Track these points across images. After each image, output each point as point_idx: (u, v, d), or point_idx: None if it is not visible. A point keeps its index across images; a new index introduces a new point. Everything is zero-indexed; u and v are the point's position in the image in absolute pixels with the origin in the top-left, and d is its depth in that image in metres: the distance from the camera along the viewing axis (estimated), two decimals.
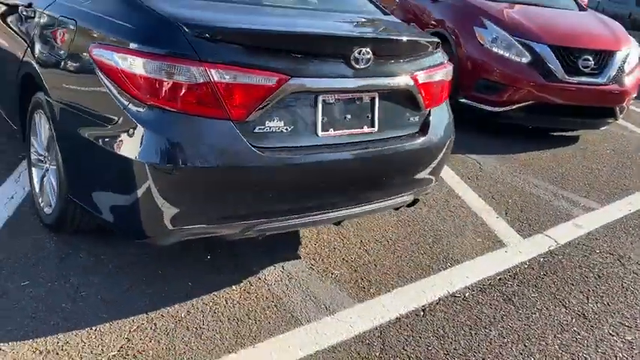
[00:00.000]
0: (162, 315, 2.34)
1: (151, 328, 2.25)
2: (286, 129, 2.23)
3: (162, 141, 2.02)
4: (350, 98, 2.40)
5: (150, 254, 2.73)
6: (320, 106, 2.30)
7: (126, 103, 2.05)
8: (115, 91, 2.07)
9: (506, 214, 3.81)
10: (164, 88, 1.99)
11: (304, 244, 3.07)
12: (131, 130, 2.04)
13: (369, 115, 2.49)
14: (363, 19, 2.93)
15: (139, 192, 2.05)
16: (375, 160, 2.51)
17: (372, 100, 2.48)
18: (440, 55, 2.79)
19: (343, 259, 2.99)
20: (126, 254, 2.71)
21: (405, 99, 2.61)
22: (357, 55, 2.30)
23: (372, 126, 2.50)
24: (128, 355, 2.10)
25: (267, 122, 2.17)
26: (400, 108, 2.62)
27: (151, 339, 2.20)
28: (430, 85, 2.70)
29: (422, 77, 2.63)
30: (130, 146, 2.04)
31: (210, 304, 2.46)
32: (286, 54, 2.17)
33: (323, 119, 2.32)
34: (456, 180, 4.32)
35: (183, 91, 2.00)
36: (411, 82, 2.58)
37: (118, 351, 2.11)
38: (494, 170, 4.62)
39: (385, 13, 3.16)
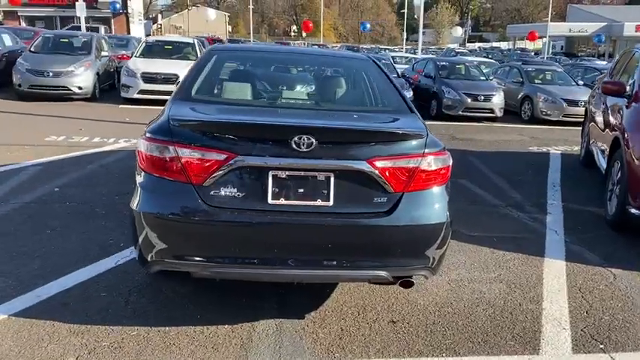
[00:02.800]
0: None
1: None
2: (238, 194, 2.89)
3: (148, 196, 2.94)
4: (302, 175, 2.91)
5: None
6: (270, 179, 2.89)
7: (138, 172, 3.04)
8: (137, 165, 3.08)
9: (580, 331, 3.42)
10: (148, 161, 2.93)
11: (322, 310, 3.49)
12: (137, 188, 3.02)
13: (325, 191, 2.93)
14: (349, 114, 3.42)
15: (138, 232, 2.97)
16: (329, 230, 2.90)
17: (328, 178, 2.93)
18: (416, 144, 3.04)
19: (342, 328, 3.30)
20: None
21: (367, 181, 2.95)
22: (297, 140, 2.85)
23: (327, 200, 2.93)
24: None
25: (221, 188, 2.88)
26: (362, 188, 2.96)
27: None
28: (397, 170, 2.98)
29: (383, 163, 2.95)
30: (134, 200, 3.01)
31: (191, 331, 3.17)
32: (236, 138, 2.89)
33: (274, 190, 2.89)
34: (556, 285, 4.01)
35: (162, 162, 2.91)
36: (368, 167, 2.93)
37: None
38: (628, 287, 4.06)
39: (407, 111, 3.52)
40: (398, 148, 3.00)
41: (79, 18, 26.97)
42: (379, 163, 2.94)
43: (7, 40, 14.67)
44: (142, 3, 50.03)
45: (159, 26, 68.34)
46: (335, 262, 2.96)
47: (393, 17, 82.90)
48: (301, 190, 2.91)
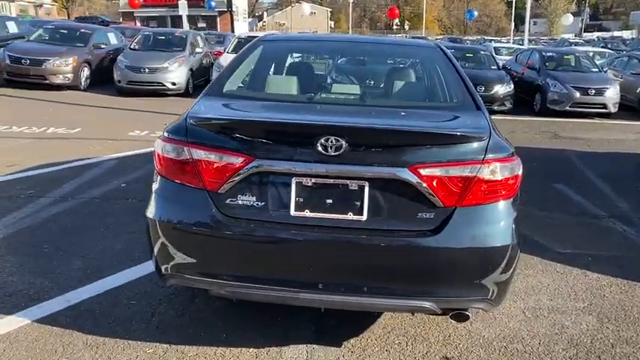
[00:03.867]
0: None
1: None
2: (257, 204, 2.51)
3: (161, 203, 2.63)
4: (330, 184, 2.47)
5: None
6: (293, 187, 2.48)
7: (155, 175, 2.74)
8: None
9: None
10: (164, 163, 2.62)
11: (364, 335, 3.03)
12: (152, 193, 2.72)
13: (358, 203, 2.47)
14: (398, 111, 2.90)
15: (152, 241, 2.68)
16: (361, 249, 2.44)
17: (361, 188, 2.46)
18: (474, 149, 2.48)
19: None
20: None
21: (409, 192, 2.45)
22: (324, 142, 2.40)
23: (360, 214, 2.46)
24: None
25: (239, 195, 2.51)
26: (403, 201, 2.47)
27: None
28: (448, 180, 2.45)
29: (429, 171, 2.43)
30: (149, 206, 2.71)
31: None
32: (254, 139, 2.49)
33: (298, 200, 2.47)
34: None
35: (176, 165, 2.59)
36: (411, 175, 2.42)
37: None
38: None
39: (472, 108, 2.94)
40: (450, 152, 2.46)
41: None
42: (425, 171, 2.42)
43: (113, 39, 15.40)
44: (246, 1, 51.51)
45: (263, 24, 70.16)
46: (369, 288, 2.49)
47: (502, 7, 78.91)
48: (329, 201, 2.47)
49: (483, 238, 2.48)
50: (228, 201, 2.51)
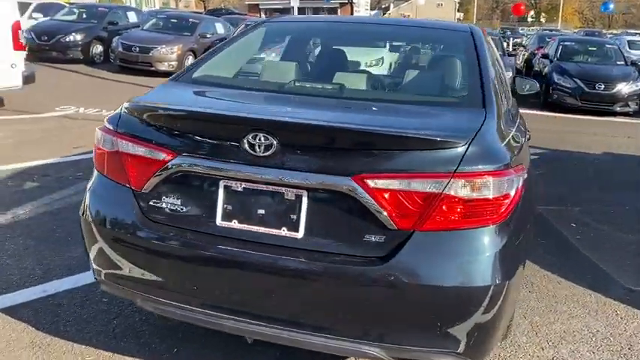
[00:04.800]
0: None
1: None
2: (182, 208, 2.14)
3: (90, 199, 2.35)
4: (263, 190, 2.03)
5: None
6: (221, 192, 2.07)
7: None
8: None
9: None
10: (97, 155, 2.34)
11: None
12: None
13: (294, 217, 2.01)
14: (372, 105, 2.39)
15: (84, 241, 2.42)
16: (295, 275, 1.99)
17: (298, 198, 2.00)
18: (445, 157, 1.90)
19: None
20: None
21: (354, 207, 1.94)
22: (251, 140, 1.97)
23: (295, 230, 2.00)
24: None
25: (163, 197, 2.15)
26: (348, 218, 1.96)
27: None
28: (404, 196, 1.90)
29: (380, 183, 1.90)
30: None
31: None
32: (178, 133, 2.12)
33: (225, 207, 2.07)
34: None
35: (106, 157, 2.29)
36: (355, 187, 1.91)
37: None
38: None
39: (475, 105, 2.33)
40: (408, 161, 1.91)
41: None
42: (373, 183, 1.90)
43: (220, 29, 15.84)
44: None
45: (388, 14, 69.26)
46: (304, 322, 2.02)
47: None
48: (261, 212, 2.04)
49: (450, 274, 1.91)
50: (152, 202, 2.17)
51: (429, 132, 1.96)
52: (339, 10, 41.58)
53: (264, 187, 2.02)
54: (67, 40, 13.90)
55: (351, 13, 40.67)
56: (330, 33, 3.35)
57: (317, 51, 3.22)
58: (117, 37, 13.99)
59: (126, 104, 2.28)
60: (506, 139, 2.19)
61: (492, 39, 3.81)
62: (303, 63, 2.95)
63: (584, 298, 3.39)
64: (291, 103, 2.44)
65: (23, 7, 14.83)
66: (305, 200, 1.98)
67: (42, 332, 2.77)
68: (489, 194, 1.92)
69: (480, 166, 1.92)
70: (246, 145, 1.97)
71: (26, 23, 14.75)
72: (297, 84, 2.66)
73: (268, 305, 2.04)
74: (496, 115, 2.28)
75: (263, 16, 38.87)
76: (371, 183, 1.89)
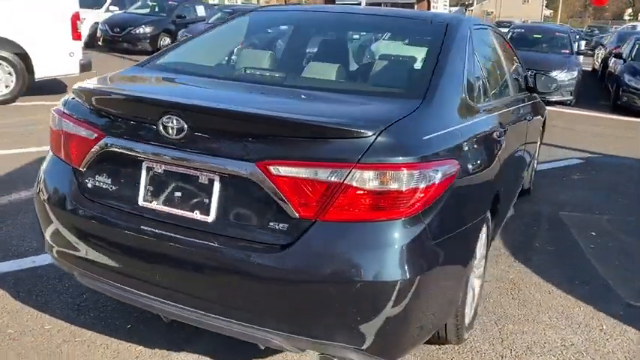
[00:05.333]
0: None
1: None
2: (111, 187, 2.21)
3: (41, 175, 2.47)
4: (181, 173, 2.06)
5: None
6: (144, 172, 2.12)
7: None
8: None
9: None
10: (50, 134, 2.46)
11: None
12: None
13: (207, 200, 2.02)
14: (305, 93, 2.33)
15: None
16: (203, 258, 2.01)
17: (211, 182, 2.01)
18: (349, 146, 1.84)
19: None
20: None
21: (260, 194, 1.93)
22: (164, 122, 1.99)
23: (207, 214, 2.02)
24: None
25: (96, 176, 2.23)
26: (254, 204, 1.95)
27: None
28: (306, 184, 1.86)
29: (283, 170, 1.87)
30: None
31: None
32: (106, 114, 2.18)
33: (148, 187, 2.12)
34: None
35: (55, 136, 2.41)
36: (258, 173, 1.89)
37: None
38: None
39: (413, 96, 2.23)
40: (311, 149, 1.88)
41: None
42: (275, 170, 1.88)
43: (201, 11, 16.49)
44: None
45: (470, 12, 67.33)
46: (212, 305, 2.04)
47: None
48: (179, 194, 2.07)
49: (351, 266, 1.86)
50: (87, 180, 2.26)
51: (335, 121, 1.91)
52: (415, 6, 40.81)
53: (181, 170, 2.05)
54: (137, 32, 14.60)
55: (428, 8, 39.89)
56: (306, 22, 3.31)
57: (283, 40, 3.19)
58: (182, 30, 14.53)
59: (74, 87, 2.37)
60: (438, 132, 2.09)
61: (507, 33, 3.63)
62: (264, 52, 2.95)
63: (572, 310, 3.18)
64: (219, 89, 2.46)
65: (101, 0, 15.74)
66: (217, 185, 1.99)
67: (15, 299, 2.94)
68: (396, 186, 1.85)
69: (387, 158, 1.85)
70: (161, 128, 2.00)
71: (103, 16, 15.64)
72: (247, 71, 2.66)
73: (179, 286, 2.08)
74: (435, 108, 2.19)
75: None
76: (274, 170, 1.87)
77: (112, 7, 16.50)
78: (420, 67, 2.63)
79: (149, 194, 2.11)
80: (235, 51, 3.00)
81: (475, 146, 2.39)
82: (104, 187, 2.21)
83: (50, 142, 2.46)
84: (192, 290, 2.05)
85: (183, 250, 2.01)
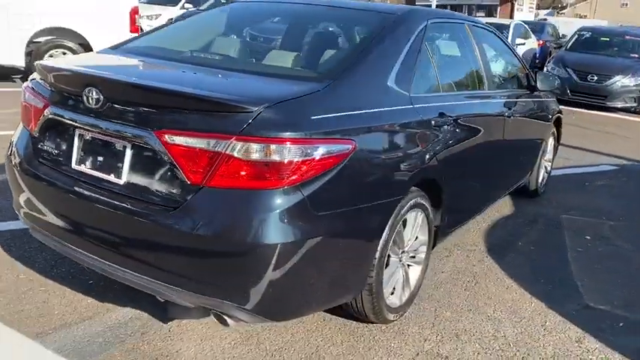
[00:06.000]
0: None
1: None
2: (54, 152, 2.51)
3: (12, 143, 2.81)
4: (103, 140, 2.32)
5: None
6: (77, 139, 2.40)
7: None
8: None
9: None
10: (21, 107, 2.80)
11: None
12: None
13: (120, 165, 2.27)
14: (224, 73, 2.55)
15: None
16: (116, 217, 2.25)
17: (124, 148, 2.25)
18: (232, 121, 2.01)
19: None
20: None
21: (160, 160, 2.14)
22: (86, 93, 2.26)
23: (119, 177, 2.27)
24: None
25: (45, 141, 2.55)
26: (156, 169, 2.17)
27: None
28: (195, 153, 2.06)
29: (177, 140, 2.08)
30: None
31: None
32: (51, 86, 2.48)
33: (80, 153, 2.40)
34: None
35: (22, 108, 2.74)
36: (155, 140, 2.12)
37: None
38: None
39: (322, 79, 2.36)
40: (200, 120, 2.08)
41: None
42: (169, 138, 2.10)
43: None
44: None
45: (562, 15, 64.25)
46: (127, 261, 2.28)
47: None
48: (101, 159, 2.34)
49: (231, 229, 2.04)
50: (39, 145, 2.58)
51: (222, 96, 2.09)
52: (498, 8, 39.67)
53: (102, 137, 2.31)
54: None
55: (511, 12, 38.66)
56: (268, 12, 3.51)
57: (241, 27, 3.38)
58: None
59: (36, 63, 2.71)
60: (333, 114, 2.21)
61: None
62: (213, 37, 3.16)
63: (521, 305, 3.16)
64: (148, 68, 2.71)
65: None
66: (128, 151, 2.23)
67: (6, 252, 3.34)
68: (273, 158, 2.01)
69: (266, 132, 2.01)
70: (85, 98, 2.27)
71: (177, 13, 16.52)
72: (193, 54, 2.89)
73: (100, 242, 2.33)
74: (341, 91, 2.32)
75: None
76: (168, 139, 2.09)
77: (187, 5, 17.35)
78: (342, 55, 2.75)
79: (80, 158, 2.39)
80: (193, 36, 3.24)
81: (392, 131, 2.49)
82: (50, 150, 2.52)
83: (20, 112, 2.81)
84: (110, 246, 2.30)
85: (102, 209, 2.26)
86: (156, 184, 2.18)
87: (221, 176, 2.04)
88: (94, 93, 2.24)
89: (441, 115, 2.87)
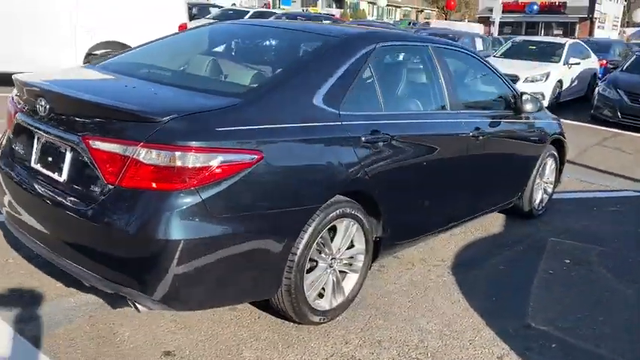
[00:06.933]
0: None
1: None
2: (23, 152, 2.91)
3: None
4: (51, 143, 2.68)
5: None
6: (35, 141, 2.79)
7: None
8: None
9: None
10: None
11: None
12: None
13: (62, 165, 2.62)
14: (166, 88, 2.84)
15: None
16: (55, 211, 2.61)
17: (65, 150, 2.60)
18: (139, 130, 2.31)
19: None
20: None
21: (87, 162, 2.48)
22: (38, 102, 2.64)
23: (60, 176, 2.62)
24: None
25: (17, 142, 2.96)
26: (85, 170, 2.51)
27: None
28: (110, 157, 2.38)
29: (98, 145, 2.41)
30: None
31: None
32: (20, 95, 2.89)
33: (37, 153, 2.78)
34: None
35: (6, 115, 3.18)
36: (81, 145, 2.45)
37: None
38: None
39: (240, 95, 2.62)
40: (116, 129, 2.40)
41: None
42: (93, 143, 2.44)
43: (479, 45, 15.85)
44: (622, 8, 45.79)
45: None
46: (65, 251, 2.63)
47: None
48: (50, 159, 2.71)
49: (135, 224, 2.34)
50: (14, 146, 2.99)
51: (135, 107, 2.40)
52: (577, 26, 38.29)
53: (52, 140, 2.68)
54: None
55: (591, 30, 37.18)
56: (231, 33, 3.81)
57: (202, 47, 3.68)
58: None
59: (13, 76, 3.13)
60: (242, 127, 2.46)
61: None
62: (178, 56, 3.49)
63: (459, 320, 3.24)
64: (98, 82, 3.06)
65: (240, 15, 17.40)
66: (68, 154, 2.59)
67: (3, 239, 3.80)
68: (173, 164, 2.29)
69: (169, 140, 2.29)
70: (38, 107, 2.66)
71: None
72: (150, 70, 3.22)
73: (46, 231, 2.70)
74: (257, 107, 2.57)
75: (494, 30, 37.89)
76: (92, 144, 2.43)
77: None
78: (273, 73, 2.98)
79: (37, 158, 2.77)
80: (160, 53, 3.57)
81: (310, 145, 2.70)
82: (19, 151, 2.93)
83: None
84: (52, 235, 2.66)
85: (48, 203, 2.63)
86: (84, 183, 2.51)
87: (130, 178, 2.34)
88: (44, 103, 2.61)
89: (375, 132, 3.02)
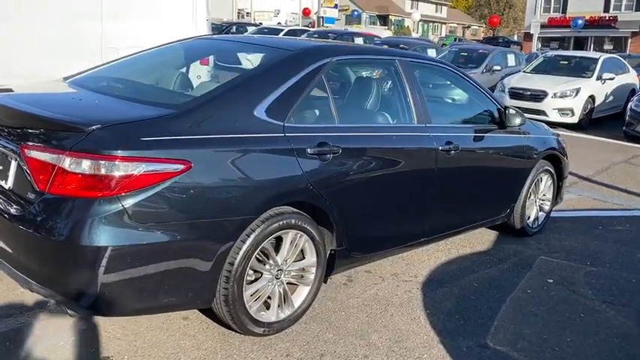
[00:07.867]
0: None
1: None
2: None
3: None
4: (2, 152, 2.81)
5: None
6: None
7: None
8: None
9: None
10: None
11: None
12: None
13: (9, 173, 2.73)
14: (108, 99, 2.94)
15: None
16: (1, 216, 2.72)
17: (11, 159, 2.72)
18: (67, 139, 2.40)
19: None
20: None
21: (25, 170, 2.57)
22: None
23: (6, 183, 2.73)
24: None
25: None
26: (25, 177, 2.59)
27: None
28: (41, 165, 2.47)
29: (32, 154, 2.51)
30: None
31: None
32: None
33: None
34: None
35: None
36: (18, 153, 2.56)
37: None
38: None
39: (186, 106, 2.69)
40: (48, 138, 2.51)
41: None
42: (28, 152, 2.54)
43: (511, 60, 15.44)
44: None
45: None
46: (11, 260, 2.72)
47: None
48: (1, 167, 2.83)
49: (59, 230, 2.41)
50: None
51: (62, 117, 2.50)
52: (629, 40, 36.96)
53: (2, 150, 2.80)
54: None
55: None
56: (195, 48, 3.90)
57: (167, 61, 3.77)
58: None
59: None
60: (168, 137, 2.51)
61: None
62: (140, 70, 3.59)
63: (412, 337, 3.17)
64: (45, 94, 3.17)
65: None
66: (13, 162, 2.70)
67: None
68: (95, 172, 2.36)
69: (93, 149, 2.37)
70: None
71: None
72: (109, 82, 3.33)
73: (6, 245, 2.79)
74: (188, 118, 2.62)
75: (538, 45, 37.10)
76: (27, 152, 2.53)
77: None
78: (216, 85, 3.02)
79: None
80: (125, 67, 3.68)
81: (247, 155, 2.73)
82: None
83: None
84: (7, 248, 2.75)
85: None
86: (22, 189, 2.61)
87: (57, 185, 2.42)
88: None
89: (323, 144, 3.02)
